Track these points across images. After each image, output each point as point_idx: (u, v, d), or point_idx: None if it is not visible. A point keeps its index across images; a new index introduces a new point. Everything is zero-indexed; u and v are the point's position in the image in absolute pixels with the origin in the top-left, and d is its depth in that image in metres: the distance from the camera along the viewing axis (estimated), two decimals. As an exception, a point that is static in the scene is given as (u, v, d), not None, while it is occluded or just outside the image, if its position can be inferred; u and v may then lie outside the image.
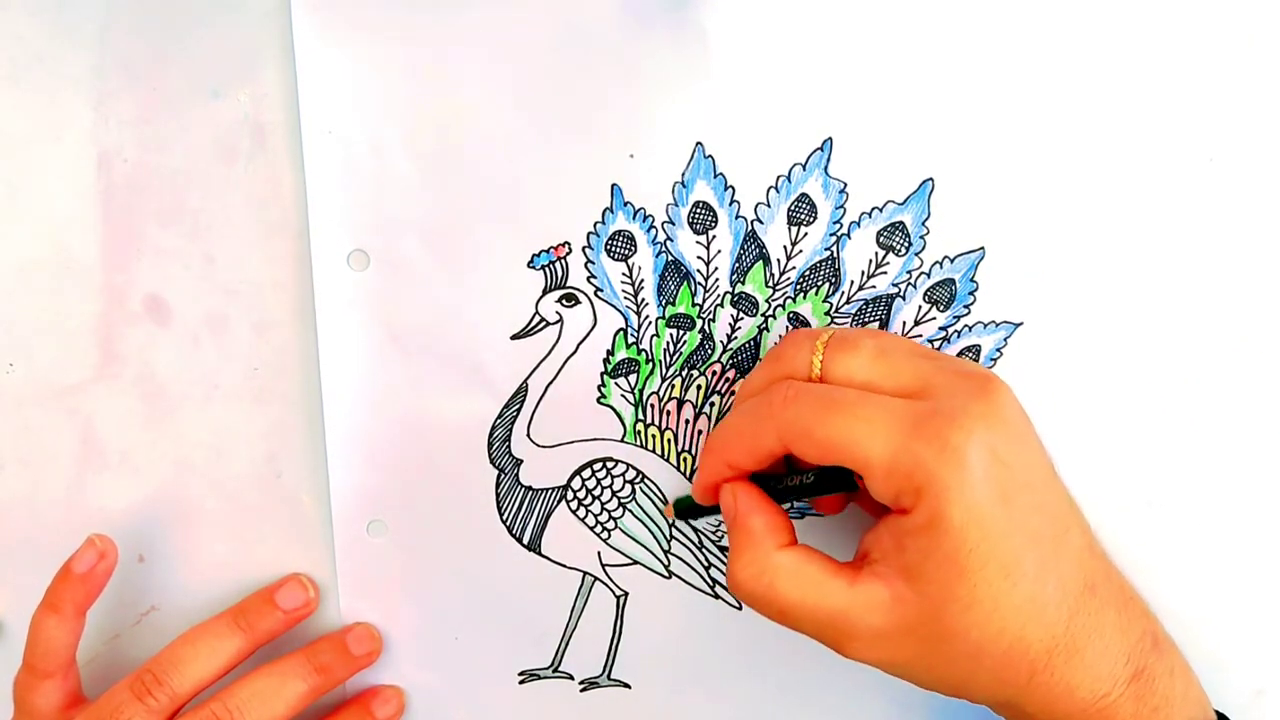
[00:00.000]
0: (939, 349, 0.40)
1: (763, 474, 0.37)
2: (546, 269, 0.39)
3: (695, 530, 0.42)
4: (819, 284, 0.39)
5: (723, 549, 0.43)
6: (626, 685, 0.44)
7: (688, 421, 0.41)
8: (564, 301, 0.40)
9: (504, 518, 0.42)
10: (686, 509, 0.40)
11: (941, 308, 0.39)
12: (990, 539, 0.31)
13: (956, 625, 0.32)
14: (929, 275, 0.39)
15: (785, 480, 0.36)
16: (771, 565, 0.34)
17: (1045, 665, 0.32)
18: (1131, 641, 0.34)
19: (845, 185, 0.38)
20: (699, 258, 0.39)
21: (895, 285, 0.39)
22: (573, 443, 0.41)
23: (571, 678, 0.44)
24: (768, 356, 0.37)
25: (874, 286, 0.39)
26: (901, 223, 0.38)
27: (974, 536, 0.31)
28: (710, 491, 0.37)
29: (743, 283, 0.39)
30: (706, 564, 0.43)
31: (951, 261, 0.38)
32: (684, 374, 0.41)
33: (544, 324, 0.40)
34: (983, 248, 0.38)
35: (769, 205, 0.38)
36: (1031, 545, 0.32)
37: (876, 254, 0.39)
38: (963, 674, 0.33)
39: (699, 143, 0.38)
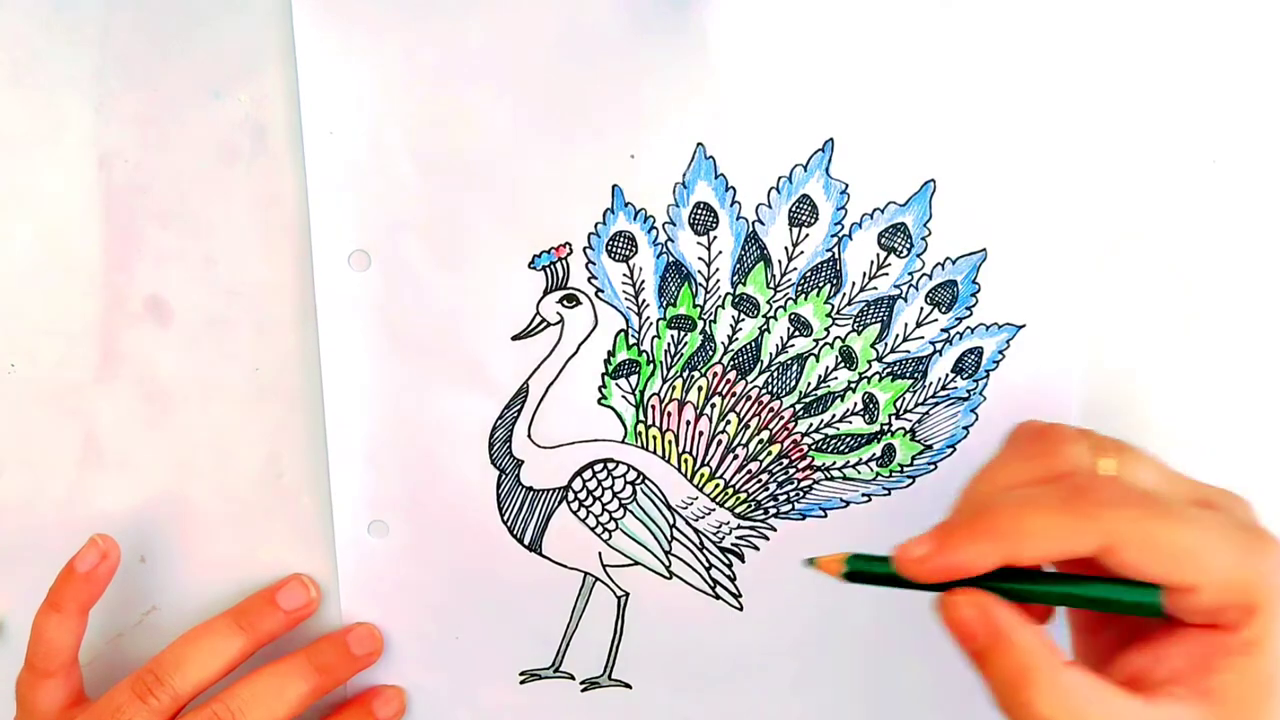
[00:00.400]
0: (941, 351, 0.40)
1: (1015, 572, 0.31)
2: (547, 270, 0.39)
3: (696, 531, 0.42)
4: (820, 285, 0.39)
5: (723, 549, 0.43)
6: (627, 685, 0.45)
7: (689, 423, 0.41)
8: (565, 302, 0.40)
9: (505, 518, 0.42)
10: (872, 576, 0.32)
11: (943, 309, 0.39)
12: None
13: None
14: (931, 277, 0.39)
15: (1056, 585, 0.31)
16: (1072, 689, 0.30)
17: None
18: None
19: (847, 186, 0.38)
20: (700, 259, 0.39)
21: (897, 287, 0.39)
22: (574, 444, 0.41)
23: (572, 678, 0.45)
24: (1029, 446, 0.33)
25: (875, 288, 0.39)
26: (903, 224, 0.38)
27: None
28: (958, 573, 0.31)
29: (744, 284, 0.39)
30: (707, 564, 0.43)
31: (953, 263, 0.38)
32: (685, 375, 0.41)
33: (545, 325, 0.40)
34: (984, 249, 0.38)
35: (770, 206, 0.38)
36: None
37: (878, 255, 0.39)
38: None
39: (700, 143, 0.38)
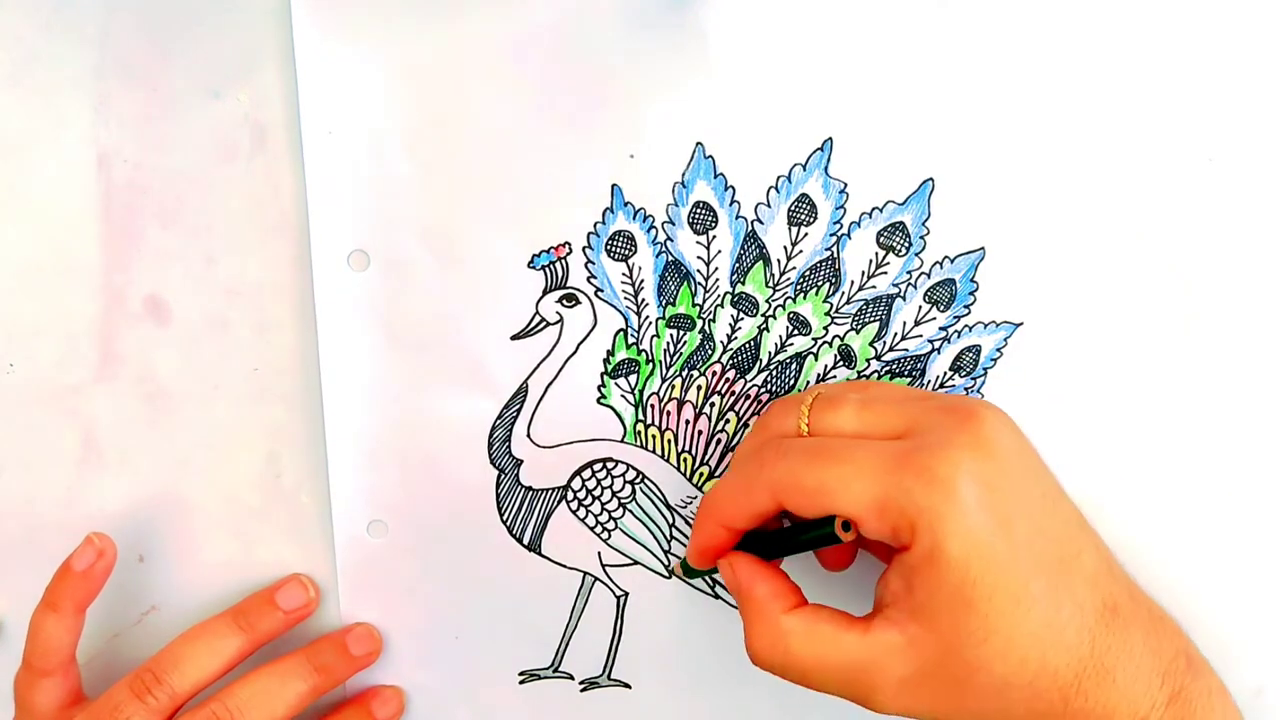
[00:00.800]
0: (939, 349, 0.40)
1: (763, 535, 0.36)
2: (547, 269, 0.39)
3: (695, 530, 0.42)
4: (819, 284, 0.39)
5: (723, 549, 0.43)
6: (627, 685, 0.45)
7: (688, 422, 0.41)
8: (564, 302, 0.40)
9: (504, 518, 0.42)
10: (689, 570, 0.40)
11: (942, 308, 0.39)
12: (994, 567, 0.31)
13: (976, 660, 0.31)
14: (929, 275, 0.39)
15: (777, 535, 0.36)
16: (783, 630, 0.34)
17: (1077, 691, 0.32)
18: (1165, 662, 0.33)
19: (845, 185, 0.38)
20: (699, 258, 0.39)
21: (895, 285, 0.39)
22: (573, 443, 0.41)
23: (572, 678, 0.44)
24: (755, 423, 0.37)
25: (874, 287, 0.39)
26: (902, 223, 0.38)
27: (976, 566, 0.31)
28: (706, 555, 0.37)
29: (743, 283, 0.39)
30: (706, 564, 0.43)
31: (951, 262, 0.39)
32: (684, 374, 0.41)
33: (544, 324, 0.40)
34: (983, 248, 0.38)
35: (769, 205, 0.38)
36: (1038, 570, 0.31)
37: (877, 254, 0.39)
38: (995, 711, 0.32)
39: (699, 143, 0.38)
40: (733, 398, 0.41)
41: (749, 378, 0.40)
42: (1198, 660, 0.34)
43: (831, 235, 0.39)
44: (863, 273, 0.39)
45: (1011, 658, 0.31)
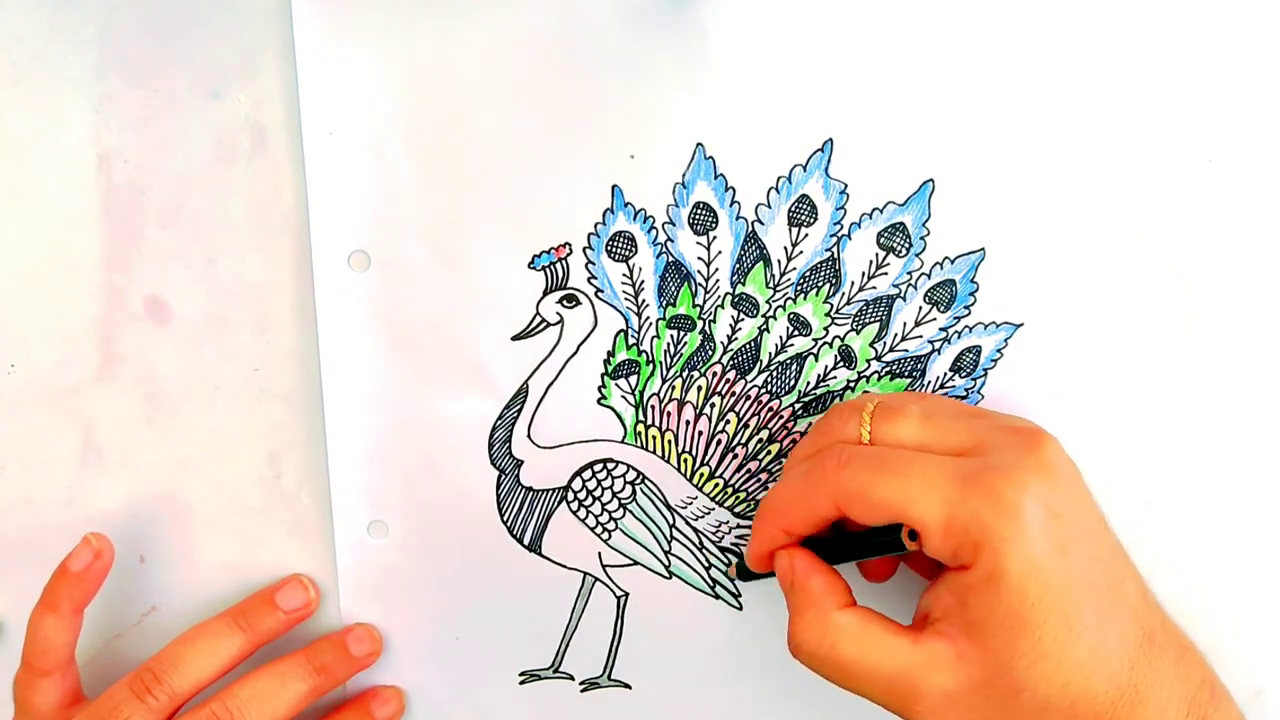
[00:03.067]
0: (940, 350, 0.40)
1: (816, 539, 0.36)
2: (547, 270, 0.39)
3: (695, 531, 0.42)
4: (819, 285, 0.39)
5: (723, 549, 0.43)
6: (627, 686, 0.45)
7: (688, 423, 0.41)
8: (565, 302, 0.40)
9: (504, 518, 0.42)
10: (745, 572, 0.40)
11: (942, 309, 0.39)
12: (1051, 591, 0.31)
13: (1024, 680, 0.31)
14: (929, 276, 0.39)
15: (837, 542, 0.36)
16: (833, 626, 0.34)
17: (1112, 716, 0.32)
18: (1191, 691, 0.33)
19: (846, 186, 0.38)
20: (699, 259, 0.39)
21: (896, 286, 0.39)
22: (573, 444, 0.41)
23: (572, 678, 0.44)
24: (814, 428, 0.37)
25: (874, 287, 0.39)
26: (902, 224, 0.38)
27: (1035, 590, 0.31)
28: (765, 559, 0.37)
29: (743, 284, 0.39)
30: (707, 564, 0.43)
31: (952, 262, 0.39)
32: (685, 375, 0.41)
33: (545, 325, 0.40)
34: (983, 249, 0.38)
35: (769, 206, 0.38)
36: (1090, 597, 0.32)
37: (877, 255, 0.39)
38: None
39: (699, 143, 0.38)
40: (733, 398, 0.41)
41: (749, 378, 0.40)
42: (1220, 690, 0.35)
43: (832, 236, 0.39)
44: (863, 273, 0.39)
45: (1057, 680, 0.31)
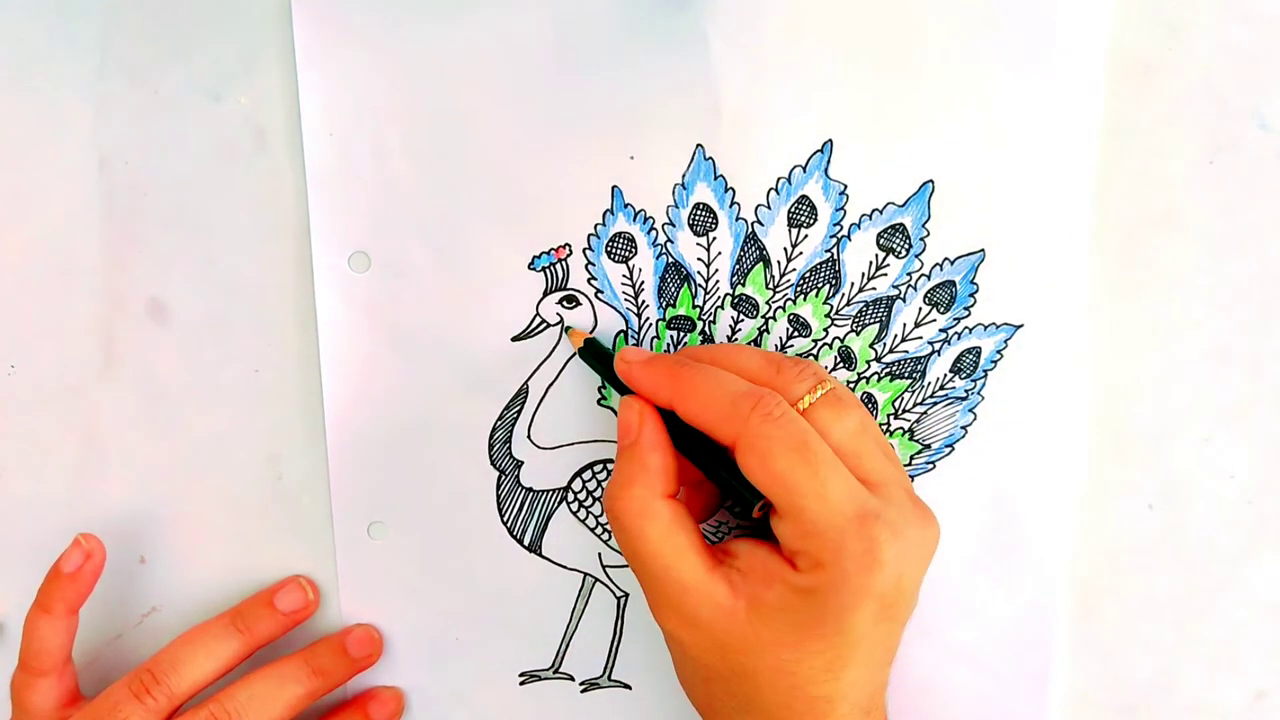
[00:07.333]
0: (939, 350, 0.40)
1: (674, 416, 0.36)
2: (547, 271, 0.39)
3: (695, 532, 0.42)
4: (819, 286, 0.39)
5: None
6: (627, 686, 0.45)
7: (688, 423, 0.41)
8: (565, 303, 0.40)
9: (504, 519, 0.42)
10: (595, 354, 0.39)
11: (942, 309, 0.39)
12: (846, 643, 0.33)
13: (759, 677, 0.33)
14: (929, 277, 0.39)
15: (706, 448, 0.35)
16: (652, 509, 0.34)
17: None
18: None
19: (845, 187, 0.38)
20: (699, 259, 0.39)
21: (895, 287, 0.39)
22: (573, 444, 0.41)
23: (572, 679, 0.44)
24: (773, 357, 0.36)
25: (874, 288, 0.39)
26: (902, 225, 0.38)
27: (831, 631, 0.32)
28: (634, 387, 0.36)
29: (743, 284, 0.39)
30: (707, 565, 0.43)
31: (952, 263, 0.39)
32: (684, 375, 0.41)
33: (545, 325, 0.40)
34: (983, 250, 0.38)
35: (769, 207, 0.38)
36: (863, 664, 0.34)
37: (877, 256, 0.39)
38: (725, 711, 0.35)
39: (699, 144, 0.38)
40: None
41: (749, 379, 0.40)
42: None
43: (831, 237, 0.39)
44: (863, 274, 0.39)
45: (780, 691, 0.33)
